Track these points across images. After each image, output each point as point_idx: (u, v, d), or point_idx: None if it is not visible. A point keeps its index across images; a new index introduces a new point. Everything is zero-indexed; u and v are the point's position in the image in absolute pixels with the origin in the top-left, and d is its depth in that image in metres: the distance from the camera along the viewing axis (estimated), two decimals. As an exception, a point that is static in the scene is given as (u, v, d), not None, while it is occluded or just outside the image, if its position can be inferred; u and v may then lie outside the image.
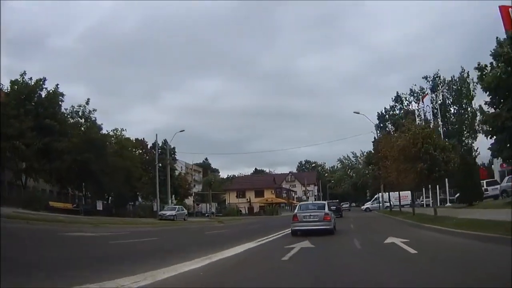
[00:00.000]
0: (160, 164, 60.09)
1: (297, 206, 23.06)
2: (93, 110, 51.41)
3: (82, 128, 51.74)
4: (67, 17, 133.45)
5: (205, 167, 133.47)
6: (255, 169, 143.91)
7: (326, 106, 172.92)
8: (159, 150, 69.57)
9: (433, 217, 21.94)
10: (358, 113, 54.28)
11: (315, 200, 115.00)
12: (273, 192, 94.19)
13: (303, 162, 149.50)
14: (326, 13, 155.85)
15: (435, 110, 55.57)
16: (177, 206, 54.68)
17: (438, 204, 39.01)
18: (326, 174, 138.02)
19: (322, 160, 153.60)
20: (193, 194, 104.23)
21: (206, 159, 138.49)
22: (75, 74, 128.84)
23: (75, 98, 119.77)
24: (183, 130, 60.36)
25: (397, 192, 47.86)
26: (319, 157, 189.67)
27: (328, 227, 19.30)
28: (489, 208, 23.70)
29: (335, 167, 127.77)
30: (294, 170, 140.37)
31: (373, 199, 71.78)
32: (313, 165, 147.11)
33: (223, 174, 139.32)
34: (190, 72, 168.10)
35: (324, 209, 20.45)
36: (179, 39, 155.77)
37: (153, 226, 34.61)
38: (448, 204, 40.17)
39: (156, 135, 60.50)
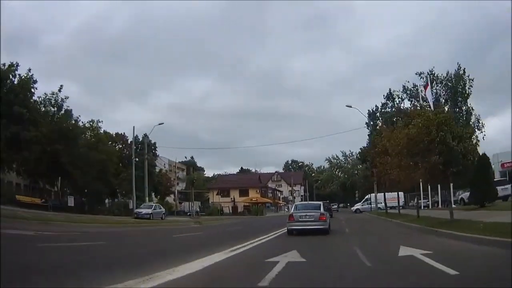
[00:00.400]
0: (137, 159, 55.61)
1: (293, 206, 23.44)
2: (65, 98, 46.88)
3: (55, 118, 47.20)
4: (60, 14, 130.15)
5: (190, 165, 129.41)
6: (241, 168, 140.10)
7: (317, 107, 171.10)
8: (140, 146, 65.84)
9: (447, 221, 17.94)
10: (350, 106, 50.44)
11: (302, 200, 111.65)
12: (258, 191, 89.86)
13: (290, 162, 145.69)
14: (317, 14, 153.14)
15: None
16: (154, 204, 50.28)
17: (439, 206, 35.23)
18: (313, 174, 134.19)
19: (310, 160, 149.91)
20: (176, 192, 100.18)
21: (192, 157, 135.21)
22: (67, 71, 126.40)
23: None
24: (162, 123, 56.35)
25: (390, 193, 44.59)
26: (307, 158, 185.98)
27: (323, 226, 19.45)
28: (508, 210, 19.53)
29: (322, 167, 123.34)
30: (281, 170, 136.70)
31: (363, 199, 67.80)
32: (299, 164, 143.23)
33: (209, 173, 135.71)
34: (180, 72, 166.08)
35: (320, 209, 20.55)
36: (170, 38, 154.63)
37: (120, 225, 30.47)
38: (453, 205, 35.97)
39: (134, 127, 57.77)
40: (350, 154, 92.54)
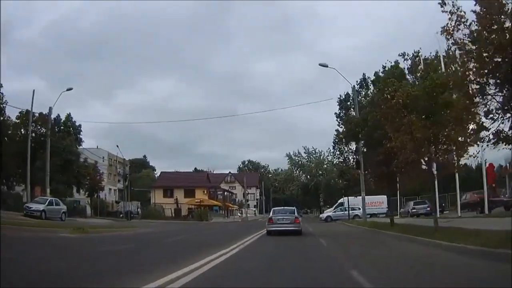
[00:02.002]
0: (32, 134, 40.57)
1: (272, 211, 25.34)
2: None
3: None
4: (30, 11, 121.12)
5: (141, 163, 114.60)
6: (195, 169, 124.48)
7: (278, 110, 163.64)
8: (62, 127, 51.44)
9: None
10: (326, 66, 35.19)
11: (257, 204, 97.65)
12: (206, 192, 73.84)
13: (246, 162, 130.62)
14: (280, 18, 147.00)
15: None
16: (50, 199, 34.74)
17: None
18: (270, 175, 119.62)
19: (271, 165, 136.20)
20: (117, 190, 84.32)
21: (144, 156, 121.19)
22: (36, 67, 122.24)
23: (34, 91, 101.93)
24: (71, 89, 41.10)
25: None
26: (266, 162, 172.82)
27: (297, 228, 21.69)
28: None
29: (280, 169, 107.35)
30: (236, 171, 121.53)
31: (336, 204, 52.54)
32: (256, 164, 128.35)
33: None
34: (143, 72, 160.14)
35: (294, 214, 23.25)
36: (135, 38, 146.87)
37: None
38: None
39: (33, 91, 40.58)
40: (314, 152, 77.33)
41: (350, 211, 41.68)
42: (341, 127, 67.18)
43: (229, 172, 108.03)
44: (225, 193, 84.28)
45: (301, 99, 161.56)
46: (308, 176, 73.78)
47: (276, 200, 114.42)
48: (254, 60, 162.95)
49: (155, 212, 65.31)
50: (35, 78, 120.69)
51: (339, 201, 50.68)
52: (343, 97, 62.59)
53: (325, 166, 72.21)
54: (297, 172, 77.35)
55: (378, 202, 42.86)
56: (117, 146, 60.40)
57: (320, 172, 70.97)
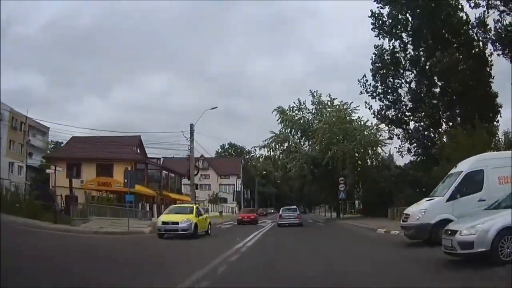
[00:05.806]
0: None
1: (281, 210, 33.61)
2: None
3: None
4: (29, 7, 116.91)
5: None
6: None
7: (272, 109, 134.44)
8: None
9: None
10: None
11: (234, 198, 76.66)
12: (131, 169, 40.57)
13: (226, 146, 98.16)
14: (278, 16, 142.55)
15: None
16: None
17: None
18: (252, 155, 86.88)
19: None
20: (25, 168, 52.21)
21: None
22: (34, 63, 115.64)
23: (31, 87, 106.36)
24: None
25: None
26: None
27: (299, 221, 30.22)
28: None
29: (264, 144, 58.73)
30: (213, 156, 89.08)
31: (448, 181, 13.83)
32: (237, 148, 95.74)
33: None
34: (140, 69, 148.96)
35: (297, 211, 32.48)
36: (133, 36, 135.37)
37: None
38: None
39: None
40: (327, 101, 38.63)
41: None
42: (381, 38, 35.22)
43: (201, 156, 71.22)
44: (170, 174, 49.65)
45: (296, 97, 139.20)
46: (317, 147, 37.38)
47: (264, 196, 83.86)
48: (250, 58, 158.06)
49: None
50: (32, 74, 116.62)
51: (456, 169, 13.81)
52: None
53: (351, 125, 37.21)
54: (294, 136, 39.70)
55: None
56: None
57: (341, 137, 35.90)
